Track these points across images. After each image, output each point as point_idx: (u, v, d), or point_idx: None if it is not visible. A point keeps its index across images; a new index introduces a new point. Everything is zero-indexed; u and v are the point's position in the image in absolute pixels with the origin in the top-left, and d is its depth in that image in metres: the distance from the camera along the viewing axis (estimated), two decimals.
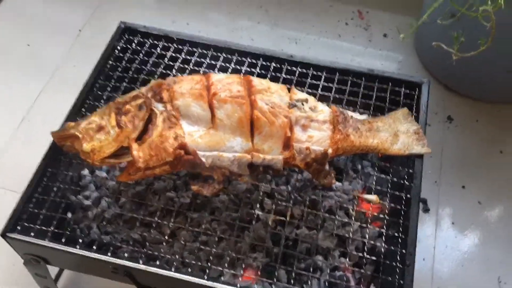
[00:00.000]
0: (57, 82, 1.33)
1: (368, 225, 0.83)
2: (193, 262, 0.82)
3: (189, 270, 0.78)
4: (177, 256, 0.83)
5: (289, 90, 0.83)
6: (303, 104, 0.80)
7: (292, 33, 1.46)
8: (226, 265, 0.81)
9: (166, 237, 0.84)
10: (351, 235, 0.82)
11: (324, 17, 1.50)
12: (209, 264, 0.78)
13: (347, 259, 0.83)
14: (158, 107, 0.78)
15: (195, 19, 1.48)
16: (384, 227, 0.78)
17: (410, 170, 0.81)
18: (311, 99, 0.82)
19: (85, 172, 0.92)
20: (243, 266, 0.83)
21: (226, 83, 0.80)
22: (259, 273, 0.80)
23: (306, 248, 0.85)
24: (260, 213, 0.87)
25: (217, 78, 0.82)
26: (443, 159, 1.21)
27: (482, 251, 1.07)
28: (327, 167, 0.78)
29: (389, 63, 1.39)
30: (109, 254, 0.72)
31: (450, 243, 1.09)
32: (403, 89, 0.90)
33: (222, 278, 0.82)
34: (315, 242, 0.85)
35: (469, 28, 0.94)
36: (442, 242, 1.09)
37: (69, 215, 0.86)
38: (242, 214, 0.89)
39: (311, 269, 0.80)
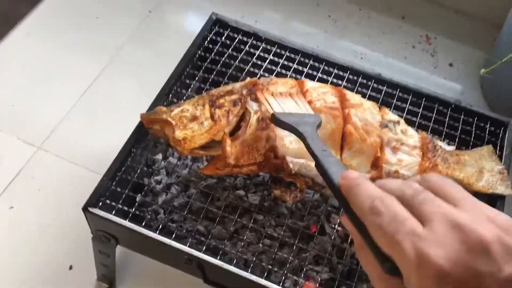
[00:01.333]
0: (119, 61, 1.33)
1: None
2: (258, 262, 0.81)
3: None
4: (242, 255, 0.82)
5: (380, 109, 0.83)
6: (394, 126, 0.80)
7: (358, 47, 1.45)
8: (287, 272, 0.81)
9: (230, 235, 0.84)
10: None
11: (392, 36, 1.49)
12: (272, 267, 0.77)
13: None
14: (253, 106, 0.78)
15: (263, 17, 1.48)
16: None
17: None
18: (402, 121, 0.82)
19: (159, 156, 0.92)
20: (304, 276, 0.82)
21: (320, 92, 0.80)
22: (320, 286, 0.80)
23: None
24: (328, 225, 0.87)
25: (311, 85, 0.81)
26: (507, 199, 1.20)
27: None
28: None
29: (452, 93, 1.38)
30: (187, 244, 0.72)
31: None
32: (488, 125, 0.90)
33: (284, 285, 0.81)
34: None
35: None
36: None
37: (139, 197, 0.86)
38: (308, 223, 0.89)
39: None
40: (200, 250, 0.73)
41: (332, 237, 0.86)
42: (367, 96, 0.90)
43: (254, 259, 0.77)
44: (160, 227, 0.76)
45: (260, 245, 0.85)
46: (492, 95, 1.35)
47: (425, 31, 1.50)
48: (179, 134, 0.75)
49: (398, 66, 1.42)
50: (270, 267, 0.76)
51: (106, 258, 0.85)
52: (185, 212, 0.81)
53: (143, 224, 0.74)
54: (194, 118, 0.76)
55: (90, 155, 1.15)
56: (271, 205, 0.89)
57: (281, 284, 0.72)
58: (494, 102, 1.34)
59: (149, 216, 0.86)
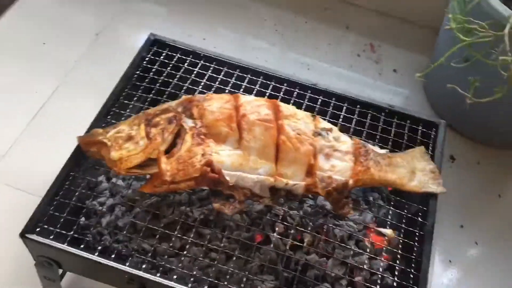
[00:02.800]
0: (69, 83, 1.33)
1: (377, 257, 0.85)
2: (204, 277, 0.82)
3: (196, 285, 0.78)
4: (186, 271, 0.83)
5: (313, 117, 0.86)
6: (327, 134, 0.83)
7: (305, 59, 1.48)
8: (234, 283, 0.82)
9: (177, 251, 0.84)
10: (360, 265, 0.84)
11: (337, 46, 1.53)
12: (219, 281, 0.78)
13: None
14: (188, 122, 0.79)
15: (211, 35, 1.50)
16: (397, 261, 0.80)
17: (424, 208, 0.84)
18: (335, 129, 0.85)
19: (101, 178, 0.93)
20: (251, 286, 0.84)
21: (255, 105, 0.82)
22: None
23: (314, 274, 0.86)
24: (272, 235, 0.88)
25: (246, 99, 0.84)
26: (443, 198, 1.24)
27: None
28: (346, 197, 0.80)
29: (397, 98, 1.42)
30: (127, 264, 0.72)
31: (446, 280, 1.11)
32: (420, 127, 0.93)
33: None
34: (323, 269, 0.86)
35: (482, 74, 0.98)
36: (438, 279, 1.11)
37: (83, 220, 0.86)
38: (253, 234, 0.90)
39: None
40: (145, 269, 0.74)
41: (275, 246, 0.87)
42: (304, 106, 0.93)
43: (197, 273, 0.78)
44: (103, 248, 0.77)
45: (206, 259, 0.86)
46: (433, 97, 1.40)
47: (369, 39, 1.55)
48: (114, 154, 0.76)
49: (344, 75, 1.46)
50: (214, 280, 0.78)
51: (52, 284, 0.85)
52: (130, 232, 0.81)
53: (82, 246, 0.74)
54: (129, 138, 0.78)
55: (41, 181, 1.14)
56: (215, 219, 0.91)
57: None
58: (437, 104, 1.39)
59: (92, 239, 0.86)
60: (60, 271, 0.86)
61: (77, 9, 1.51)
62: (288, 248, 0.88)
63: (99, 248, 0.83)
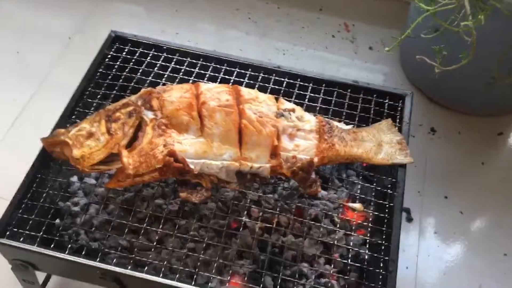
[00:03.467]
0: (46, 89, 1.33)
1: (353, 233, 0.85)
2: (181, 268, 0.83)
3: (177, 276, 0.79)
4: (165, 263, 0.83)
5: (276, 100, 0.85)
6: (290, 114, 0.83)
7: (280, 44, 1.48)
8: (213, 271, 0.82)
9: (154, 244, 0.85)
10: (336, 242, 0.84)
11: (311, 29, 1.52)
12: (196, 270, 0.79)
13: (332, 266, 0.85)
14: (148, 114, 0.79)
15: (185, 29, 1.50)
16: (368, 234, 0.80)
17: (393, 179, 0.83)
18: (298, 108, 0.85)
19: (74, 179, 0.93)
20: (230, 272, 0.84)
21: (215, 92, 0.82)
22: (245, 279, 0.81)
23: (292, 255, 0.87)
24: (247, 220, 0.89)
25: (206, 87, 0.84)
26: (427, 170, 1.24)
27: (464, 260, 1.10)
28: (313, 175, 0.80)
29: (375, 75, 1.42)
30: (97, 260, 0.73)
31: (433, 252, 1.11)
32: (387, 100, 0.93)
33: (209, 284, 0.83)
34: (300, 249, 0.86)
35: (452, 43, 0.97)
36: (425, 251, 1.11)
37: (58, 221, 0.87)
38: (229, 221, 0.90)
39: (297, 276, 0.81)
40: (119, 264, 0.74)
41: (252, 231, 0.87)
42: (269, 90, 0.93)
43: (176, 265, 0.78)
44: (80, 247, 0.77)
45: (185, 250, 0.86)
46: (410, 71, 1.39)
47: (343, 19, 1.54)
48: (76, 152, 0.76)
49: (320, 56, 1.46)
50: (193, 270, 0.78)
51: (32, 286, 0.85)
52: (107, 229, 0.82)
53: (52, 246, 0.75)
54: (90, 135, 0.78)
55: (13, 185, 1.14)
56: (192, 209, 0.91)
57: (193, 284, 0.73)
58: (412, 77, 1.38)
59: (68, 239, 0.86)
60: (41, 274, 0.87)
61: (48, 13, 1.51)
62: (263, 231, 0.89)
63: (76, 247, 0.84)
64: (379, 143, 0.85)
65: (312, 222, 0.87)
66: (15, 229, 0.75)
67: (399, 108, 0.92)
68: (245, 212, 0.90)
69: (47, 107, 1.29)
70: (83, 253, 0.76)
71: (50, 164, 0.85)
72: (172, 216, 0.89)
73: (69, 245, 0.78)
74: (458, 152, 1.27)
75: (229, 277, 0.81)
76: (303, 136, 0.81)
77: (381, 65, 1.45)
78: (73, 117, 0.88)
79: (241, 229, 0.87)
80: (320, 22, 1.54)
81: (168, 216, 0.88)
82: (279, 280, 0.79)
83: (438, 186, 1.21)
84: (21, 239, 0.74)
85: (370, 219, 0.83)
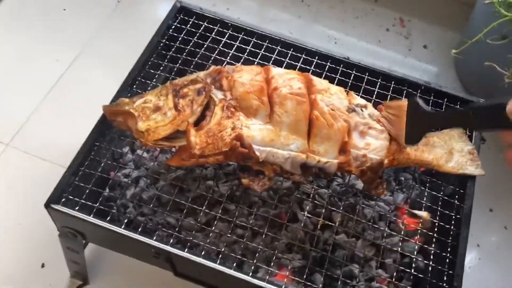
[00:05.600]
0: (89, 53, 1.30)
1: (410, 239, 0.82)
2: (231, 254, 0.80)
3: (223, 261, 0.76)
4: (213, 247, 0.81)
5: (347, 93, 0.82)
6: (362, 110, 0.79)
7: (332, 32, 1.44)
8: (262, 261, 0.80)
9: (202, 225, 0.82)
10: (391, 246, 0.81)
11: (365, 20, 1.48)
12: (245, 258, 0.76)
13: (384, 271, 0.82)
14: (218, 94, 0.76)
15: (235, 5, 1.45)
16: (433, 244, 0.77)
17: (460, 190, 0.80)
18: (369, 105, 0.81)
19: (126, 149, 0.90)
20: (278, 264, 0.81)
21: (286, 79, 0.79)
22: (294, 274, 0.79)
23: (343, 254, 0.84)
24: (301, 213, 0.86)
25: (277, 72, 0.80)
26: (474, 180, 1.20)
27: (505, 276, 1.07)
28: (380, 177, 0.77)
29: (427, 75, 1.37)
30: (154, 238, 0.70)
31: (474, 265, 1.08)
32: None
33: (256, 275, 0.80)
34: (352, 250, 0.84)
35: None
36: (465, 263, 1.08)
37: (107, 191, 0.85)
38: (280, 212, 0.88)
39: (348, 277, 0.79)
40: (169, 243, 0.72)
41: (303, 224, 0.85)
42: (336, 81, 0.89)
43: (224, 250, 0.75)
44: (128, 221, 0.75)
45: (232, 235, 0.83)
46: (465, 75, 1.35)
47: (398, 13, 1.49)
48: (141, 125, 0.73)
49: (372, 50, 1.41)
50: (241, 257, 0.75)
51: (75, 255, 0.84)
52: (155, 205, 0.79)
53: (108, 219, 0.72)
54: (157, 109, 0.75)
55: (60, 150, 1.12)
56: (242, 194, 0.88)
57: (250, 274, 0.71)
58: (468, 82, 1.34)
59: (116, 211, 0.84)
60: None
61: None
62: (315, 226, 0.86)
63: (126, 220, 0.82)
64: (450, 151, 0.81)
65: (369, 223, 0.84)
66: (71, 197, 0.73)
67: None
68: (297, 205, 0.88)
69: (89, 71, 1.26)
70: (130, 227, 0.74)
71: (105, 132, 0.82)
72: (223, 200, 0.86)
73: (124, 219, 0.76)
74: (506, 165, 1.23)
75: (276, 269, 0.79)
76: (374, 135, 0.77)
77: (434, 66, 1.40)
78: (134, 86, 0.84)
79: (292, 222, 0.85)
80: (374, 14, 1.49)
81: (219, 199, 0.86)
82: (329, 279, 0.77)
83: (484, 197, 1.17)
84: (77, 208, 0.71)
85: (430, 227, 0.80)
